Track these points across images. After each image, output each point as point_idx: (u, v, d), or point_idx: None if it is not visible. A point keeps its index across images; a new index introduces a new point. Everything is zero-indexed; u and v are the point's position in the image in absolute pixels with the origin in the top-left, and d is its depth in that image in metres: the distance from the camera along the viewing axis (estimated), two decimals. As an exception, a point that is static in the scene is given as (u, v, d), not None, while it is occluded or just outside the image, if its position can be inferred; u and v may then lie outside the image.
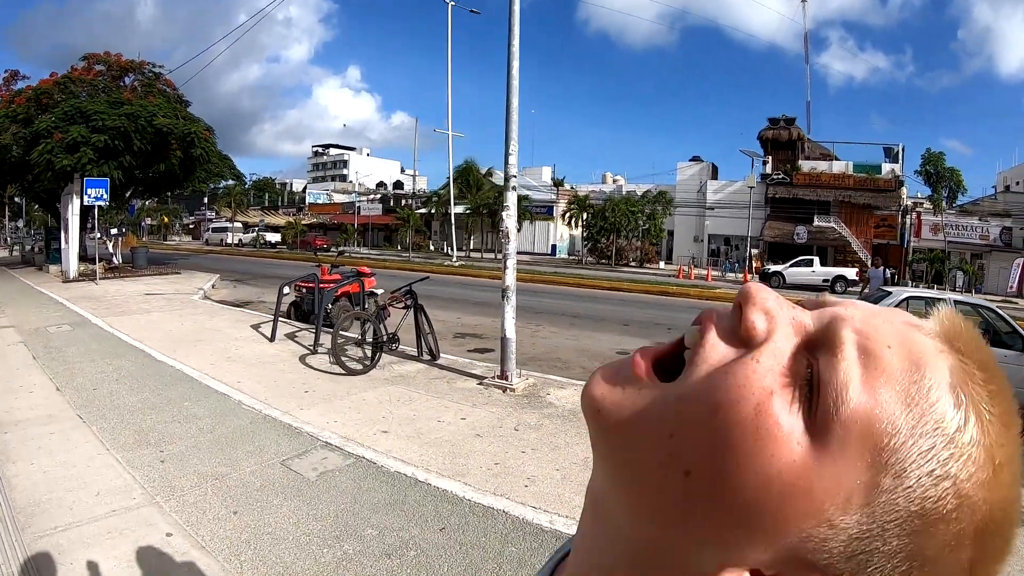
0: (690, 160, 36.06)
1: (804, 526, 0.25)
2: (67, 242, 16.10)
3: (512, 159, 5.50)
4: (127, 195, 18.97)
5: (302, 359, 6.38)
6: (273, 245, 40.00)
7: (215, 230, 43.90)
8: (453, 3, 23.84)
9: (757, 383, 0.27)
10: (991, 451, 0.25)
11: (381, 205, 44.89)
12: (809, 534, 0.25)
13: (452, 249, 26.27)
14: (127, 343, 7.04)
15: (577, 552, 0.35)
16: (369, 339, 5.96)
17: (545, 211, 37.07)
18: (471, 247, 36.78)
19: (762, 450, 0.25)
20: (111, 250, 18.44)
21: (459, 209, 32.44)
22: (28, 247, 27.57)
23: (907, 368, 0.26)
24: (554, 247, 38.75)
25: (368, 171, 71.51)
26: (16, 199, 38.04)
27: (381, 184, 64.17)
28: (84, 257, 16.35)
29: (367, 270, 8.41)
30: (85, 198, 13.56)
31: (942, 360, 0.27)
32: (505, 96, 5.44)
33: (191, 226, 56.48)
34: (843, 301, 0.31)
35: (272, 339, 7.24)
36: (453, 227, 26.92)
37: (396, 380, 5.62)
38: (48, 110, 15.83)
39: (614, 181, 42.43)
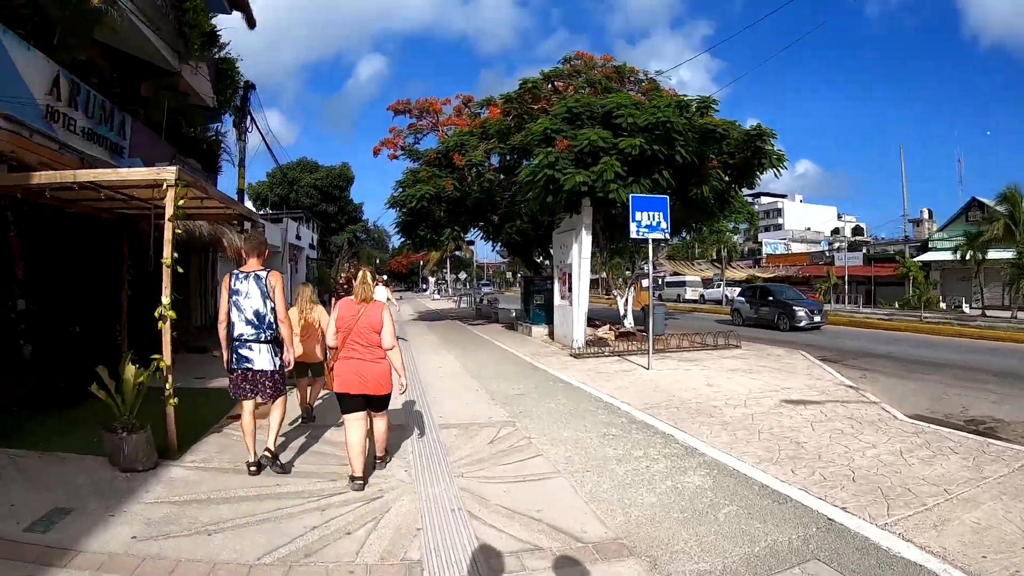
0: None
1: None
2: (565, 296, 11.58)
3: None
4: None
5: None
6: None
7: (670, 284, 37.21)
8: None
9: None
10: None
11: (861, 253, 34.99)
12: None
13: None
14: None
15: None
16: None
17: None
18: (983, 303, 23.20)
19: None
20: (622, 309, 13.40)
21: (994, 255, 21.31)
22: (479, 299, 25.53)
23: None
24: None
25: (802, 219, 61.99)
26: (457, 252, 33.99)
27: (836, 231, 53.88)
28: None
29: None
30: (633, 225, 8.49)
31: None
32: None
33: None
34: None
35: None
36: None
37: None
38: (534, 118, 11.43)
39: None
